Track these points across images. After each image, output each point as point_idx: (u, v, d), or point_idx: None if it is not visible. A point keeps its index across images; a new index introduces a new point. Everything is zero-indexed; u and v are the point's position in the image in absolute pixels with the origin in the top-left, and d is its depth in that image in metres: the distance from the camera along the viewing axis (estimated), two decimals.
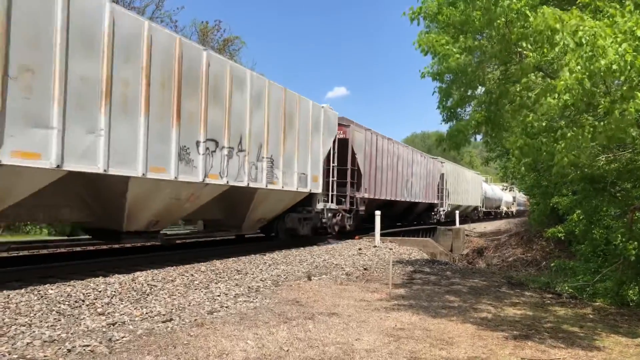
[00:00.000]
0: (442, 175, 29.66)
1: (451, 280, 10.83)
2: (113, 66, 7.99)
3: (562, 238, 13.25)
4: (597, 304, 9.10)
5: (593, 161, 8.59)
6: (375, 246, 16.30)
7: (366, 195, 18.86)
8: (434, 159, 29.25)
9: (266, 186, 12.32)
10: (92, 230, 10.52)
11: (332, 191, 16.22)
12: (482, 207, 42.32)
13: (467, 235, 27.44)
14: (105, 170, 7.87)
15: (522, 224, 28.14)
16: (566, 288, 10.05)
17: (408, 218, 27.27)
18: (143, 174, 8.60)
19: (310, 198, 14.96)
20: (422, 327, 6.38)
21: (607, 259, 10.69)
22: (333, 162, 16.24)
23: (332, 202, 16.14)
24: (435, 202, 28.77)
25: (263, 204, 12.95)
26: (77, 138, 7.43)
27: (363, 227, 19.76)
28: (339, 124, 16.88)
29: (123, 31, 8.17)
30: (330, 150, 15.91)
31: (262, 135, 12.15)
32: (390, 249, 16.14)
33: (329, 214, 15.99)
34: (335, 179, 16.25)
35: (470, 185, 36.54)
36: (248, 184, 11.62)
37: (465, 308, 7.85)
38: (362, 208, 18.44)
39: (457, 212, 31.42)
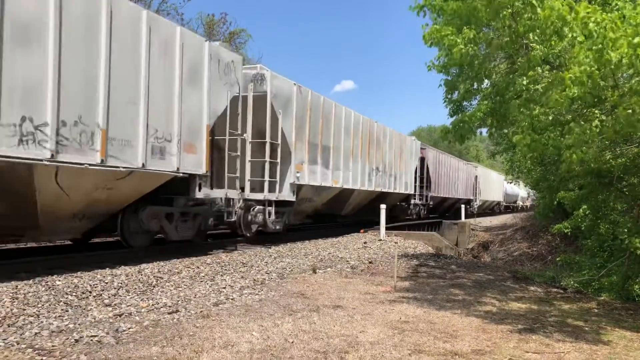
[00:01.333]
0: (475, 177, 37.03)
1: (456, 274, 10.84)
2: None
3: (568, 233, 13.22)
4: (603, 298, 9.09)
5: (599, 156, 8.55)
6: (380, 240, 16.33)
7: (435, 194, 27.01)
8: (470, 164, 37.75)
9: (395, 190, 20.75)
10: None
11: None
12: (503, 201, 50.02)
13: (472, 229, 27.40)
14: None
15: (528, 218, 28.01)
16: (571, 282, 10.05)
17: (450, 210, 33.99)
18: None
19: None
20: (427, 320, 6.40)
21: (613, 254, 10.66)
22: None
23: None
24: (472, 198, 36.34)
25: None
26: None
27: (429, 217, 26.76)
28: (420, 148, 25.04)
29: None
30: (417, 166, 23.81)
31: (392, 162, 20.69)
32: (396, 242, 16.16)
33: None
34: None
35: (495, 184, 41.85)
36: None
37: (469, 301, 7.86)
38: (431, 203, 26.45)
39: (462, 206, 31.57)
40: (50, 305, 5.97)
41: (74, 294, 6.51)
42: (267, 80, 12.62)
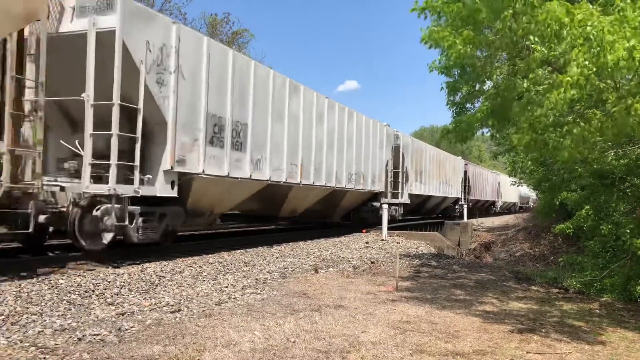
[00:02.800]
0: (498, 183, 45.28)
1: (458, 274, 10.84)
2: None
3: (571, 234, 13.20)
4: (604, 299, 9.08)
5: (602, 156, 8.55)
6: (382, 240, 16.34)
7: (473, 197, 36.07)
8: (495, 173, 46.23)
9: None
10: None
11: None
12: (518, 202, 56.17)
13: (474, 229, 27.38)
14: None
15: (530, 218, 27.97)
16: (573, 283, 10.03)
17: (482, 208, 42.65)
18: None
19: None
20: (428, 320, 6.41)
21: (615, 255, 10.64)
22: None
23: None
24: (496, 199, 45.82)
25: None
26: None
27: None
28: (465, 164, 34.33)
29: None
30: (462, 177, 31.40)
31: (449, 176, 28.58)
32: (398, 242, 16.17)
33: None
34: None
35: (512, 188, 44.83)
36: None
37: (471, 302, 7.86)
38: (470, 204, 34.40)
39: (464, 206, 31.62)
40: (53, 303, 6.00)
41: (77, 292, 6.54)
42: (400, 138, 21.54)
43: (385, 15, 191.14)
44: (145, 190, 8.84)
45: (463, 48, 6.17)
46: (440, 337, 5.62)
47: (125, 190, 8.41)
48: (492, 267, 13.08)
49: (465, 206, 32.09)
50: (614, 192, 9.65)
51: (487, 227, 31.75)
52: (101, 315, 5.76)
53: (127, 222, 8.45)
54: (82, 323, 5.41)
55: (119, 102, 8.12)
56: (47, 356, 4.36)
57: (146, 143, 8.88)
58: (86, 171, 8.19)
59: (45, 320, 5.36)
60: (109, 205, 8.17)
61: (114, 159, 8.15)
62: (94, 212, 8.06)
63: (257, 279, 8.60)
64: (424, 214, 29.54)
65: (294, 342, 5.14)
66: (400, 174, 20.98)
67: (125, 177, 8.51)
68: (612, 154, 8.66)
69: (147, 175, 9.13)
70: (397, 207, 20.61)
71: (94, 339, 4.91)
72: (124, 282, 7.32)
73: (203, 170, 10.02)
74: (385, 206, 17.32)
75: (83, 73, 8.05)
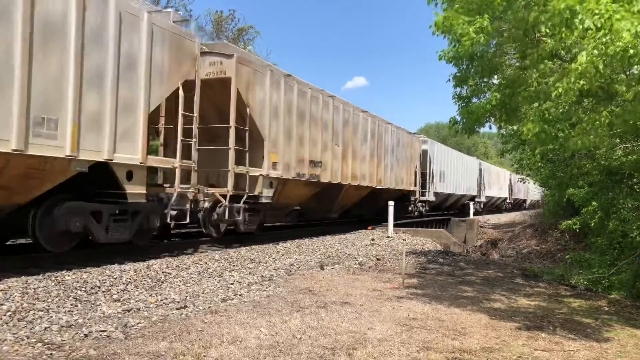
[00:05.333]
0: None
1: (464, 271, 10.80)
2: None
3: (577, 230, 13.11)
4: (612, 296, 9.01)
5: (610, 153, 8.47)
6: (388, 237, 16.30)
7: (515, 197, 42.41)
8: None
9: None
10: None
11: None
12: (540, 200, 63.75)
13: (481, 226, 27.29)
14: None
15: (537, 215, 27.83)
16: (581, 280, 9.96)
17: (515, 204, 51.22)
18: None
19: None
20: (435, 317, 6.38)
21: (623, 252, 10.56)
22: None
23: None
24: (526, 198, 54.68)
25: None
26: None
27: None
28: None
29: None
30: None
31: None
32: (404, 239, 16.13)
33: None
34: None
35: (521, 185, 48.48)
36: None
37: (478, 299, 7.82)
38: (512, 201, 42.75)
39: (470, 203, 31.51)
40: (59, 300, 6.01)
41: (83, 289, 6.55)
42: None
43: (395, 12, 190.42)
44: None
45: (476, 37, 6.11)
46: (447, 334, 5.59)
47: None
48: (499, 264, 13.02)
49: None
50: (622, 188, 9.57)
51: (493, 224, 31.62)
52: (107, 312, 5.77)
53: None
54: (88, 319, 5.42)
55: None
56: (53, 352, 4.36)
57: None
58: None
59: (51, 317, 5.37)
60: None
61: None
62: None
63: (262, 276, 8.59)
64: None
65: (300, 338, 5.12)
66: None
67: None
68: (621, 150, 8.59)
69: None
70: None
71: (100, 335, 4.91)
72: (129, 279, 7.32)
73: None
74: (391, 203, 17.28)
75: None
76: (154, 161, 9.31)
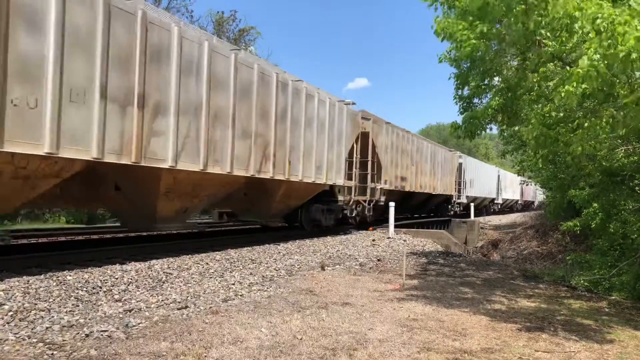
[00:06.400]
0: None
1: (465, 272, 10.80)
2: None
3: (578, 232, 13.10)
4: (613, 297, 9.01)
5: (611, 154, 8.46)
6: (389, 237, 16.31)
7: (525, 199, 51.51)
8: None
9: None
10: None
11: None
12: (536, 201, 60.38)
13: (481, 227, 27.29)
14: None
15: (538, 217, 27.81)
16: (582, 281, 9.94)
17: (524, 205, 54.21)
18: None
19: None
20: (436, 318, 6.38)
21: (624, 253, 10.55)
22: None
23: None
24: (534, 200, 56.04)
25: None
26: None
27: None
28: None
29: None
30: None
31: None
32: (404, 240, 16.13)
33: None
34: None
35: (530, 187, 50.95)
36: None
37: (479, 300, 7.82)
38: (522, 203, 49.14)
39: (472, 204, 31.54)
40: (61, 300, 6.02)
41: (85, 289, 6.56)
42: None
43: (396, 12, 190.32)
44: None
45: (477, 42, 6.12)
46: (447, 335, 5.59)
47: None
48: (499, 265, 13.02)
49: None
50: (624, 189, 9.56)
51: (494, 225, 31.62)
52: (109, 312, 5.78)
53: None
54: (89, 319, 5.43)
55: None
56: (54, 352, 4.37)
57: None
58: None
59: (53, 317, 5.38)
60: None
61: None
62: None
63: (263, 276, 8.60)
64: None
65: (300, 339, 5.13)
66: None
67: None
68: (622, 151, 8.58)
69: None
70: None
71: (102, 335, 4.92)
72: (131, 279, 7.33)
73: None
74: (391, 204, 17.30)
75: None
76: (346, 182, 16.03)
